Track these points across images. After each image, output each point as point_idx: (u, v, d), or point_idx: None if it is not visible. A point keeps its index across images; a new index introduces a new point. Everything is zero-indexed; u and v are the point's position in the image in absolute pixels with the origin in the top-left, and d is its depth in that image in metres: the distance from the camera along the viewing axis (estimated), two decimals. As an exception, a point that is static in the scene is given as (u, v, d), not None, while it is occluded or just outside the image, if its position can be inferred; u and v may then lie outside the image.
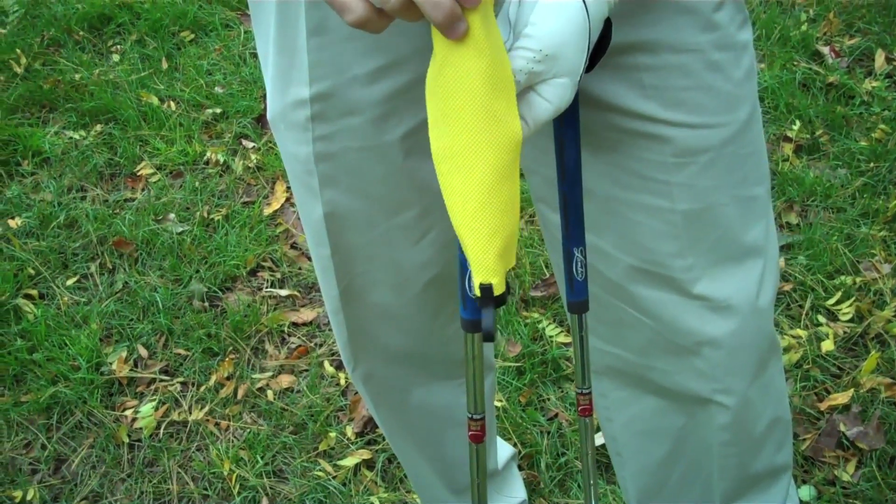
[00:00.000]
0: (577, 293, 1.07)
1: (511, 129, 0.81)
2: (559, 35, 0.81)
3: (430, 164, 1.11)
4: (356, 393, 2.03)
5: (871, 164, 2.48)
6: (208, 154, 2.76)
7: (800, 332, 2.05)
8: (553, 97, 0.83)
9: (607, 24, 0.87)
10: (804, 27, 3.03)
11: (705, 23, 0.97)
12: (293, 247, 2.46)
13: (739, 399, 1.18)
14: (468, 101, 0.79)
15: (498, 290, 0.84)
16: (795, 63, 2.87)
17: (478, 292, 0.84)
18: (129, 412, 2.06)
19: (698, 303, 1.11)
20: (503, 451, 1.77)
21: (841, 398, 1.91)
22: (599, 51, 0.88)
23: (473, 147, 0.80)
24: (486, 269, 0.83)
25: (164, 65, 3.17)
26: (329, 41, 1.01)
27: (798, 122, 2.63)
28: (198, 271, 2.37)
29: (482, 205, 0.81)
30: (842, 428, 1.85)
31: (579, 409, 1.14)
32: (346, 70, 1.02)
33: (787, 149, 2.56)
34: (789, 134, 2.60)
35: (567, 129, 0.96)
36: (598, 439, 1.73)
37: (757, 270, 1.12)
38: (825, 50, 2.93)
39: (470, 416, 1.04)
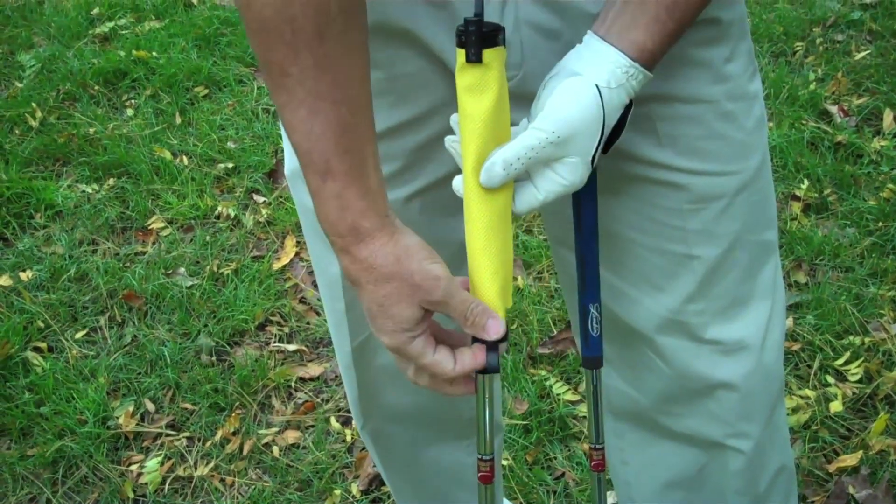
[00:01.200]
0: (592, 349, 1.09)
1: (508, 188, 0.91)
2: (572, 120, 0.87)
3: (444, 220, 1.14)
4: (362, 450, 2.02)
5: (880, 224, 2.48)
6: (219, 208, 2.78)
7: (808, 392, 2.04)
8: (566, 174, 0.89)
9: (626, 108, 0.92)
10: (812, 86, 3.05)
11: (717, 75, 1.00)
12: (302, 301, 2.46)
13: (754, 444, 1.19)
14: (469, 161, 0.90)
15: None
16: (804, 122, 2.88)
17: None
18: (134, 467, 2.05)
19: (709, 347, 1.12)
20: (509, 511, 1.76)
21: (850, 460, 1.89)
22: (615, 134, 0.93)
23: (475, 198, 0.91)
24: (489, 305, 0.93)
25: (178, 119, 3.20)
26: None
27: (806, 181, 2.64)
28: (206, 325, 2.38)
29: (483, 248, 0.91)
30: (850, 490, 1.83)
31: (592, 464, 1.14)
32: None
33: (796, 208, 2.56)
34: (797, 193, 2.61)
35: (584, 190, 0.98)
36: (610, 498, 1.72)
37: (765, 312, 1.14)
38: (833, 109, 2.95)
39: (480, 456, 1.05)
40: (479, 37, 0.84)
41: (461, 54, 0.86)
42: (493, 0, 0.92)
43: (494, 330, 0.90)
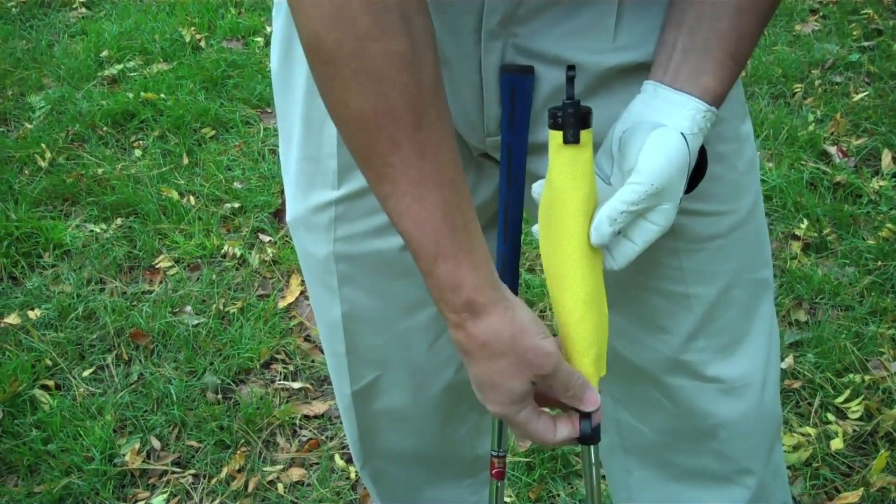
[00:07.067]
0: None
1: (601, 256, 0.95)
2: (666, 171, 0.90)
3: None
4: (365, 488, 2.03)
5: (879, 263, 2.51)
6: (226, 247, 2.81)
7: (809, 430, 2.05)
8: (660, 220, 0.92)
9: (702, 151, 0.95)
10: (811, 127, 3.09)
11: None
12: (307, 339, 2.49)
13: (758, 481, 1.21)
14: (572, 233, 0.92)
15: None
16: (803, 162, 2.92)
17: None
18: (140, 504, 2.07)
19: (712, 385, 1.14)
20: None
21: (851, 497, 1.90)
22: (697, 176, 0.97)
23: (575, 269, 0.93)
24: (583, 374, 0.96)
25: (185, 160, 3.24)
26: None
27: (806, 221, 2.67)
28: (212, 363, 2.40)
29: (580, 319, 0.94)
30: (852, 528, 1.84)
31: None
32: None
33: (796, 247, 2.59)
34: (797, 232, 2.63)
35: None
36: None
37: (763, 350, 1.16)
38: (832, 150, 2.98)
39: (494, 453, 1.08)
40: (578, 119, 0.88)
41: (557, 136, 0.90)
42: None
43: (591, 402, 0.95)
